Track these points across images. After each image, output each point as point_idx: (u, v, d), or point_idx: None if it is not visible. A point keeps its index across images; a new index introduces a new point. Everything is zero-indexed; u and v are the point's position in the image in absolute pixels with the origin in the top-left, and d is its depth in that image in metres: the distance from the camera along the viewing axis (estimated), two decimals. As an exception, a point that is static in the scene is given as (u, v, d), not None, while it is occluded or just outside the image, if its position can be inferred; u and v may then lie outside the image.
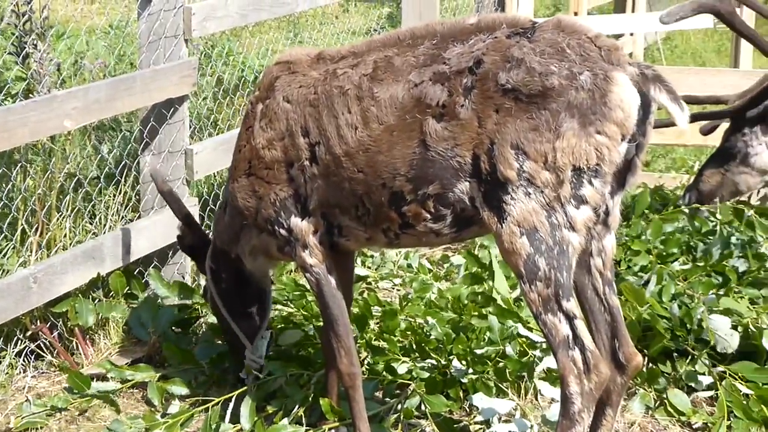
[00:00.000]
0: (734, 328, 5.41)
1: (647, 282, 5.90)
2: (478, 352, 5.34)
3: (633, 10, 15.07)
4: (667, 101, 4.04)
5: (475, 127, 4.19)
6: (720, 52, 15.43)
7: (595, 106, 4.04)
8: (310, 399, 5.26)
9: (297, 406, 5.20)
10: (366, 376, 5.38)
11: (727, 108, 6.55)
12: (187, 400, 5.45)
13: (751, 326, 5.44)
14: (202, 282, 5.85)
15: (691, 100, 6.80)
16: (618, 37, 15.19)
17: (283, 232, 4.78)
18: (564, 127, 4.06)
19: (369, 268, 6.87)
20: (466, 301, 5.92)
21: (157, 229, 6.20)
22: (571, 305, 4.14)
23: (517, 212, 4.13)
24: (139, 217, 6.38)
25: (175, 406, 5.40)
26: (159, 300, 5.98)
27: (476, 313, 5.67)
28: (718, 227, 6.43)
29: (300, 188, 4.69)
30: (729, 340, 5.34)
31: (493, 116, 4.16)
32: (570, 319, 4.13)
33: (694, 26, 13.88)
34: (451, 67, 4.26)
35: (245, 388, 5.31)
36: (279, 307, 6.10)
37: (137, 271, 6.30)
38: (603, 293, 4.36)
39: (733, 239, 6.24)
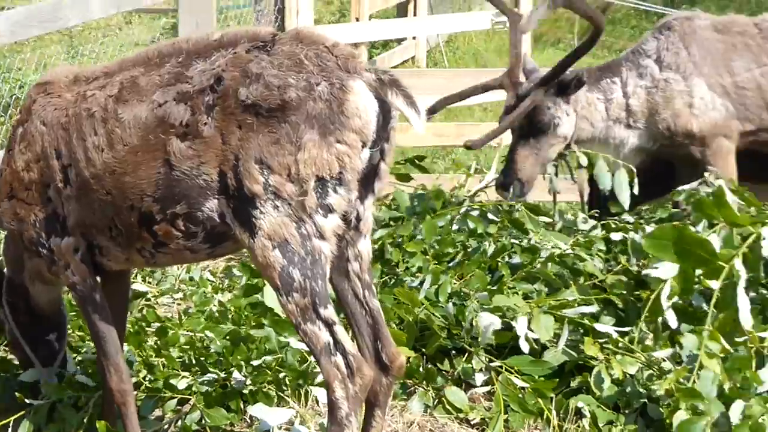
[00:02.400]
0: (508, 324, 5.52)
1: (423, 282, 5.97)
2: (255, 363, 5.33)
3: (415, 14, 15.28)
4: (404, 106, 4.13)
5: (219, 145, 4.21)
6: (501, 52, 15.74)
7: (334, 116, 4.10)
8: (85, 421, 5.17)
9: (74, 430, 5.11)
10: (145, 394, 5.32)
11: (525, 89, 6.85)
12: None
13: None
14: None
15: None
16: (401, 41, 15.41)
17: (46, 252, 4.74)
18: (304, 138, 4.11)
19: (149, 284, 6.78)
20: (246, 313, 5.90)
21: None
22: (329, 312, 4.20)
23: (267, 226, 4.17)
24: None
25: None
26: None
27: (254, 324, 5.66)
28: (491, 225, 6.54)
29: (58, 209, 4.66)
30: (488, 331, 5.44)
31: (236, 132, 4.18)
32: (329, 326, 4.19)
33: (473, 27, 14.16)
34: (193, 86, 4.27)
35: (22, 412, 5.19)
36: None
37: None
38: (363, 297, 4.43)
39: (505, 236, 6.36)
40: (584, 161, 6.78)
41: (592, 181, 6.91)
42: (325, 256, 4.19)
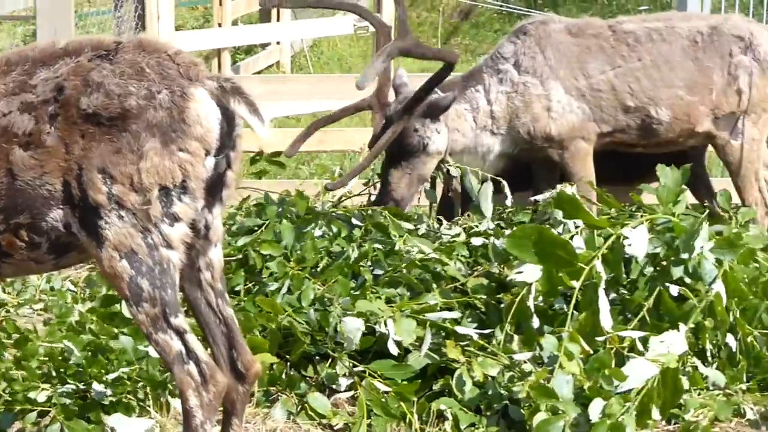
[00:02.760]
0: (371, 329, 5.53)
1: (286, 288, 5.96)
2: (115, 374, 5.27)
3: (278, 20, 15.25)
4: (246, 113, 4.16)
5: (62, 155, 4.17)
6: (365, 57, 15.80)
7: (175, 124, 4.11)
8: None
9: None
10: (4, 406, 5.22)
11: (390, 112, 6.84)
12: None
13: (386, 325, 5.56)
14: None
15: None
16: (265, 46, 15.37)
17: None
18: (146, 147, 4.10)
19: (9, 294, 6.66)
20: (104, 323, 5.82)
21: None
22: (180, 321, 4.19)
23: (113, 236, 4.15)
24: None
25: None
26: None
27: (114, 334, 5.59)
28: (355, 230, 6.55)
29: None
30: (354, 336, 5.46)
31: (79, 142, 4.15)
32: (181, 334, 4.19)
33: (337, 32, 14.20)
34: (37, 96, 4.21)
35: None
36: None
37: None
38: (216, 305, 4.43)
39: (369, 241, 6.37)
40: (456, 173, 6.84)
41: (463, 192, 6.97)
42: (173, 265, 4.18)
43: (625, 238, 5.58)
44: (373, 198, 7.20)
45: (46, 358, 5.51)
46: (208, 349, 4.38)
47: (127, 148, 4.09)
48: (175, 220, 4.16)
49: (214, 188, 4.25)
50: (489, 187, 6.61)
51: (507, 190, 6.69)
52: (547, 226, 5.89)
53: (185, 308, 4.46)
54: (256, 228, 6.56)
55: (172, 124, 4.09)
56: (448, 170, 6.95)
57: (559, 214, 6.00)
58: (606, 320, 5.32)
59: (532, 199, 6.51)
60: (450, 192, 7.18)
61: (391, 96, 7.06)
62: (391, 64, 7.04)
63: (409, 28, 6.62)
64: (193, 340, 4.20)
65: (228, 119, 4.20)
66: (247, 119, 4.16)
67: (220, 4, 13.78)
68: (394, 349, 5.46)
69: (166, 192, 4.13)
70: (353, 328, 5.46)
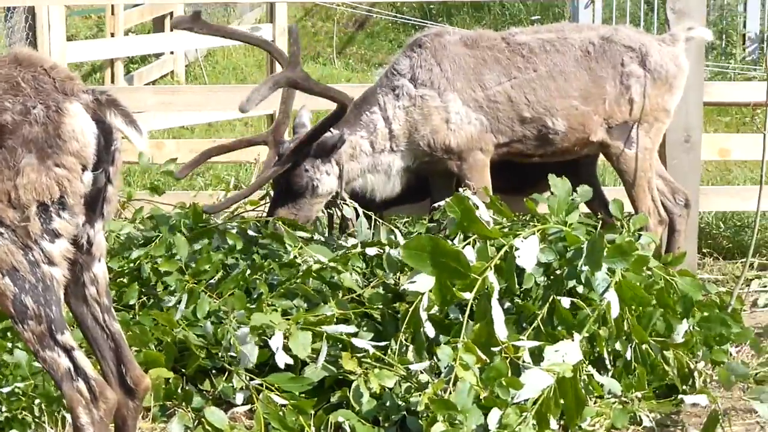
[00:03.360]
0: (264, 341, 5.50)
1: (181, 302, 5.90)
2: (5, 390, 5.18)
3: (171, 29, 15.11)
4: (123, 125, 4.16)
5: None
6: (260, 66, 15.74)
7: (51, 139, 4.09)
8: None
9: None
10: None
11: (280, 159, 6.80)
12: None
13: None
14: None
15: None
16: (159, 55, 15.23)
17: None
18: (22, 163, 4.06)
19: None
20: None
21: None
22: (67, 338, 4.16)
23: None
24: None
25: None
26: None
27: (8, 348, 5.49)
28: (250, 242, 6.50)
29: None
30: (250, 353, 5.43)
31: None
32: (68, 351, 4.15)
33: (232, 42, 14.11)
34: None
35: None
36: None
37: None
38: (103, 321, 4.39)
39: (264, 252, 6.34)
40: (350, 214, 6.82)
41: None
42: (57, 282, 4.15)
43: (516, 249, 5.62)
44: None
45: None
46: (97, 366, 4.36)
47: (3, 164, 4.05)
48: (55, 236, 4.13)
49: (95, 203, 4.22)
50: (383, 229, 6.61)
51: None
52: (442, 236, 5.92)
53: (72, 324, 4.43)
54: (149, 241, 6.48)
55: (47, 140, 4.05)
56: (342, 209, 6.90)
57: (452, 221, 5.99)
58: (501, 330, 5.34)
59: (434, 205, 6.50)
60: (346, 231, 7.15)
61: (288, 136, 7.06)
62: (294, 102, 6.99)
63: (299, 60, 6.57)
64: (81, 356, 4.17)
65: (105, 133, 4.17)
66: (125, 131, 4.16)
67: (113, 14, 13.63)
68: (282, 363, 5.43)
69: (45, 208, 4.09)
70: (247, 342, 5.42)
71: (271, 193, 7.15)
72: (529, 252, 5.62)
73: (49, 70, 4.17)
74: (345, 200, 6.87)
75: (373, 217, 6.72)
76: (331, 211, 7.08)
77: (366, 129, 6.98)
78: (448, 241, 5.81)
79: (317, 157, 6.81)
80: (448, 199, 5.88)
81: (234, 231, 6.47)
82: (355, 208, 6.79)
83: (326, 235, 6.96)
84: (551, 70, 7.08)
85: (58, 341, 4.12)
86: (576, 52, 7.13)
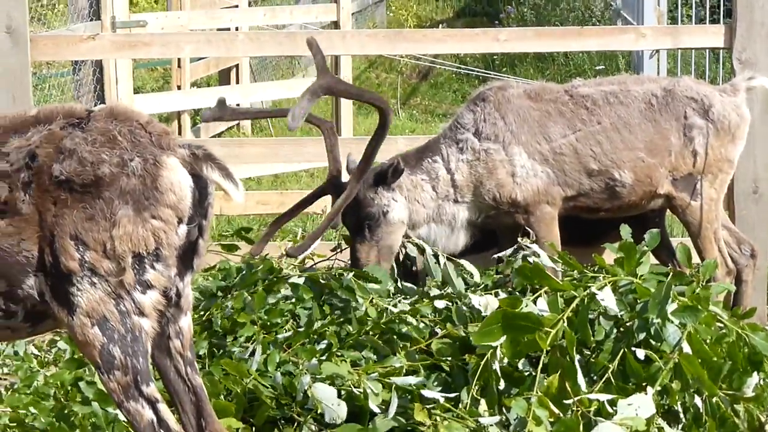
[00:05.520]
0: (339, 394, 5.51)
1: (253, 352, 5.92)
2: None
3: (238, 82, 15.27)
4: (220, 179, 4.20)
5: (37, 221, 4.16)
6: (325, 115, 15.79)
7: (148, 191, 4.13)
8: None
9: None
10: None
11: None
12: None
13: (353, 388, 5.53)
14: None
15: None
16: (224, 107, 15.34)
17: None
18: (119, 214, 4.11)
19: (-28, 359, 6.59)
20: (69, 387, 5.77)
21: None
22: (152, 390, 4.18)
23: (85, 303, 4.13)
24: None
25: None
26: None
27: (79, 399, 5.54)
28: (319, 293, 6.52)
29: None
30: (336, 410, 5.44)
31: (51, 209, 4.15)
32: (152, 403, 4.17)
33: (297, 94, 14.19)
34: (11, 163, 4.21)
35: None
36: None
37: None
38: (185, 374, 4.42)
39: (335, 302, 6.36)
40: (414, 252, 6.83)
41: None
42: (146, 333, 4.18)
43: (593, 295, 5.62)
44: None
45: (14, 424, 5.45)
46: (177, 417, 4.36)
47: (100, 215, 4.10)
48: (147, 287, 4.17)
49: (186, 256, 4.27)
50: (450, 266, 6.55)
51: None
52: (509, 289, 5.94)
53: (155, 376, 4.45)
54: (219, 291, 6.53)
55: (144, 192, 4.11)
56: (406, 250, 6.91)
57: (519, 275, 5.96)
58: (581, 383, 5.34)
59: (495, 257, 6.48)
60: (415, 270, 7.14)
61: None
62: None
63: (327, 66, 6.57)
64: (164, 409, 4.18)
65: (200, 187, 4.24)
66: (222, 184, 4.21)
67: (179, 66, 13.78)
68: (375, 408, 5.42)
69: (140, 259, 4.14)
70: (328, 395, 5.42)
71: (343, 243, 7.19)
72: (608, 300, 5.63)
73: (145, 125, 4.25)
74: (409, 238, 6.88)
75: (441, 255, 6.62)
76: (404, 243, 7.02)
77: (427, 174, 7.03)
78: (516, 293, 5.83)
79: (378, 184, 6.88)
80: (513, 252, 5.90)
81: (304, 282, 6.48)
82: (421, 246, 6.75)
83: (397, 282, 6.94)
84: (615, 122, 7.09)
85: (143, 393, 4.15)
86: (639, 104, 7.14)
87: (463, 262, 6.56)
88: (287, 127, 6.35)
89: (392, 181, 6.90)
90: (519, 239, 6.35)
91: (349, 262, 7.10)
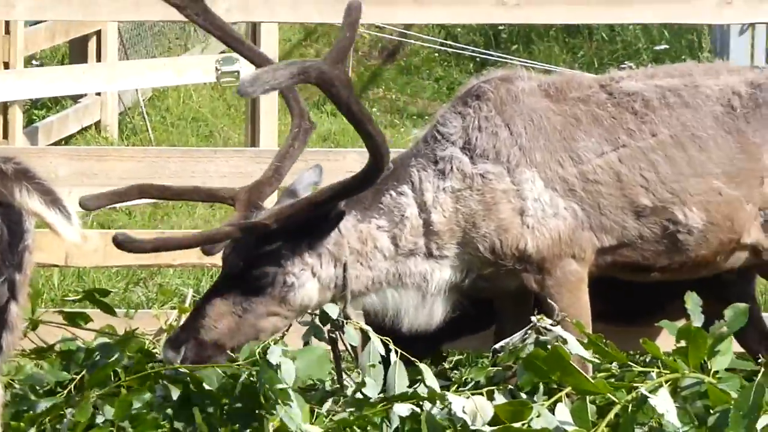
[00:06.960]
0: None
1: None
2: None
3: (99, 58, 15.22)
4: (42, 207, 4.14)
5: None
6: (233, 115, 15.87)
7: None
8: None
9: None
10: None
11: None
12: None
13: None
14: None
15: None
16: (78, 98, 15.33)
17: None
18: None
19: None
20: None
21: None
22: None
23: None
24: None
25: None
26: None
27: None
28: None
29: None
30: None
31: None
32: None
33: (191, 80, 14.23)
34: None
35: None
36: None
37: None
38: None
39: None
40: (355, 341, 6.75)
41: None
42: None
43: (643, 400, 5.72)
44: None
45: None
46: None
47: None
48: None
49: None
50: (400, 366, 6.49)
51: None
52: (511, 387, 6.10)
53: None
54: (59, 387, 6.51)
55: None
56: (342, 332, 6.78)
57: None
58: None
59: (495, 347, 6.46)
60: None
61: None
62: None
63: (345, 56, 6.36)
64: None
65: (10, 222, 4.17)
66: (45, 216, 4.14)
67: (7, 33, 13.69)
68: None
69: None
70: None
71: None
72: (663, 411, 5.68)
73: None
74: (349, 318, 6.78)
75: (393, 348, 6.52)
76: (334, 335, 6.92)
77: (386, 217, 6.90)
78: (522, 395, 5.92)
79: (299, 238, 6.71)
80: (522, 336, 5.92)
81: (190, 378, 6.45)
82: (363, 329, 6.72)
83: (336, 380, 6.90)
84: (679, 135, 7.05)
85: None
86: (714, 106, 7.12)
87: (421, 366, 6.48)
88: (238, 90, 6.15)
89: (325, 235, 6.74)
90: (533, 317, 6.32)
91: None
